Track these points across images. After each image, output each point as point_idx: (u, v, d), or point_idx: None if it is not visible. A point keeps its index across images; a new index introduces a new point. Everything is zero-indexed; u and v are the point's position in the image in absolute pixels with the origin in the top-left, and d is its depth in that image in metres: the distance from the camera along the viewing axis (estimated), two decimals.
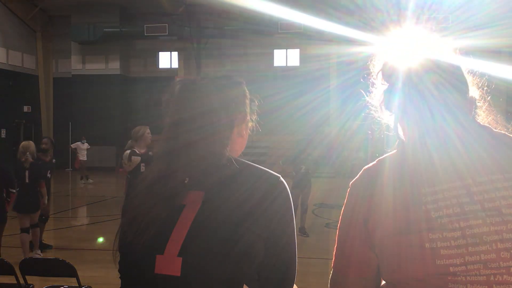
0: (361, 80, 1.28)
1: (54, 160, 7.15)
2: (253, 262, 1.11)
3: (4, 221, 5.43)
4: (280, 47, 21.21)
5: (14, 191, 5.52)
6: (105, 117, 20.68)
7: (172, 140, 1.18)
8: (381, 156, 1.13)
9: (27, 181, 5.95)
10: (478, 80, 1.14)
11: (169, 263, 1.08)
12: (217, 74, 1.28)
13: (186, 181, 1.14)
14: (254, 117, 1.31)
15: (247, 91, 1.29)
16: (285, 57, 21.68)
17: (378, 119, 1.20)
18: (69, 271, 3.44)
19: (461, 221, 0.96)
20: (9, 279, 3.85)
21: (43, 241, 6.75)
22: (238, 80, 1.29)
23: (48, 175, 6.67)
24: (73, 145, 17.44)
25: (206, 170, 1.15)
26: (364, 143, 17.65)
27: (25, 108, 21.21)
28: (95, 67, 21.59)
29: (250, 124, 1.30)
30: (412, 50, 1.11)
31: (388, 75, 1.12)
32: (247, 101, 1.28)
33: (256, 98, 1.31)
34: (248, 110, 1.28)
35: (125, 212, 1.21)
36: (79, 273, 3.50)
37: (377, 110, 1.19)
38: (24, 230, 5.96)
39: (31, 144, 6.20)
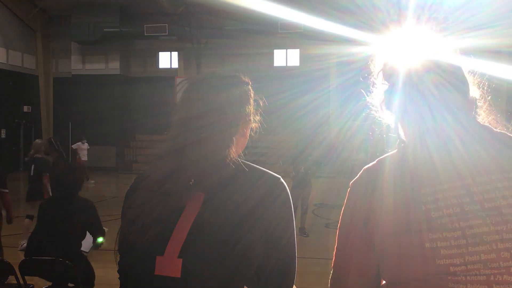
0: (361, 79, 1.28)
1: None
2: (253, 263, 1.11)
3: None
4: (280, 47, 21.19)
5: (6, 191, 5.38)
6: (105, 117, 20.66)
7: (180, 137, 1.18)
8: (382, 156, 1.13)
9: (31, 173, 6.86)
10: (479, 80, 1.14)
11: (169, 265, 1.08)
12: (224, 73, 1.28)
13: (191, 182, 1.14)
14: (258, 117, 1.31)
15: (252, 91, 1.29)
16: (285, 57, 21.66)
17: (379, 119, 1.20)
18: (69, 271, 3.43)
19: (461, 221, 0.96)
20: (9, 279, 3.85)
21: None
22: (245, 80, 1.29)
23: None
24: (73, 146, 17.43)
25: (210, 169, 1.14)
26: (364, 144, 17.62)
27: (25, 108, 21.20)
28: (95, 67, 21.57)
29: (254, 125, 1.30)
30: (413, 50, 1.11)
31: (389, 75, 1.12)
32: (252, 101, 1.28)
33: (260, 99, 1.31)
34: (252, 110, 1.28)
35: (127, 212, 1.20)
36: None
37: (377, 110, 1.19)
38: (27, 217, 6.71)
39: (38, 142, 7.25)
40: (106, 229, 3.84)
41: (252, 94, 1.29)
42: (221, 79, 1.24)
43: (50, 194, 6.86)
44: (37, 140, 7.34)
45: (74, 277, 3.22)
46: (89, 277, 3.68)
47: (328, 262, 1.17)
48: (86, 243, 3.85)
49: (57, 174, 4.02)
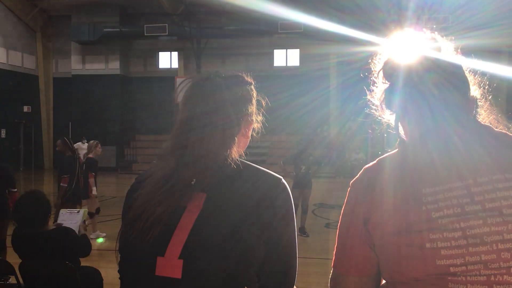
0: (361, 75, 1.27)
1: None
2: (254, 264, 1.11)
3: (5, 216, 5.28)
4: (280, 47, 21.19)
5: (15, 190, 5.38)
6: (105, 117, 20.68)
7: (182, 136, 1.17)
8: (382, 155, 1.13)
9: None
10: (479, 79, 1.14)
11: (170, 265, 1.08)
12: (227, 72, 1.27)
13: (192, 182, 1.13)
14: (260, 118, 1.31)
15: (254, 91, 1.29)
16: (285, 57, 21.66)
17: (379, 118, 1.20)
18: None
19: (462, 221, 0.95)
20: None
21: None
22: (247, 80, 1.29)
23: None
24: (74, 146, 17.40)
25: (212, 168, 1.14)
26: (364, 143, 17.65)
27: (25, 108, 21.20)
28: (95, 67, 21.58)
29: (256, 125, 1.30)
30: (413, 49, 1.10)
31: (389, 74, 1.12)
32: (254, 101, 1.28)
33: (263, 99, 1.31)
34: (254, 110, 1.28)
35: (127, 212, 1.19)
36: None
37: (377, 109, 1.19)
38: None
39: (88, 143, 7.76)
40: (101, 239, 3.43)
41: (254, 94, 1.28)
42: (224, 78, 1.24)
43: (94, 192, 7.31)
44: (91, 141, 7.79)
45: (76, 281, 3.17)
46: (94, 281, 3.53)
47: (328, 262, 1.17)
48: (73, 224, 3.51)
49: (16, 204, 3.36)
